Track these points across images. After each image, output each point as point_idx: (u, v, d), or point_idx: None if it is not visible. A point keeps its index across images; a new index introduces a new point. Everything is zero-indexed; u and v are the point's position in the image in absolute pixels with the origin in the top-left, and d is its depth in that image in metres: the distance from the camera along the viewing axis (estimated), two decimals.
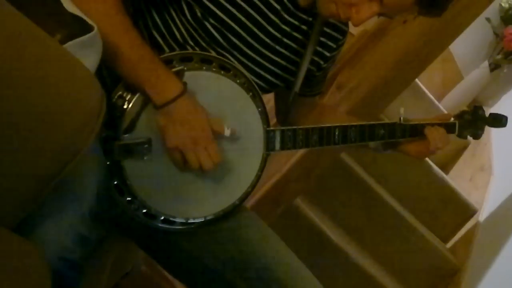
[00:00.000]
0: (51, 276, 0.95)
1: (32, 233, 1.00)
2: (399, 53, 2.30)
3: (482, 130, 1.72)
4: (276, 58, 1.42)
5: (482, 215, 3.11)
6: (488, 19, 3.97)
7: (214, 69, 1.31)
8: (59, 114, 0.94)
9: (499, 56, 4.02)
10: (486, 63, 4.04)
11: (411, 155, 1.59)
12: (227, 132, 1.29)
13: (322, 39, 1.47)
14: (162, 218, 1.34)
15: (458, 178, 3.57)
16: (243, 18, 1.34)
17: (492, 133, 3.58)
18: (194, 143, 1.24)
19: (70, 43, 1.05)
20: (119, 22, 1.21)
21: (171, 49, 1.35)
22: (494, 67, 4.04)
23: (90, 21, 1.09)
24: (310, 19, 1.42)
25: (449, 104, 3.96)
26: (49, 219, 1.02)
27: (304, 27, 1.42)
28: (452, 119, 1.66)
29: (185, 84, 1.23)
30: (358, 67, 2.66)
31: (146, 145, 1.24)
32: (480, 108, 1.71)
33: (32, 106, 0.90)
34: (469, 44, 4.01)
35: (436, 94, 3.86)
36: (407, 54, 2.27)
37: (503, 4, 3.98)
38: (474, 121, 1.70)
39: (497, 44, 4.07)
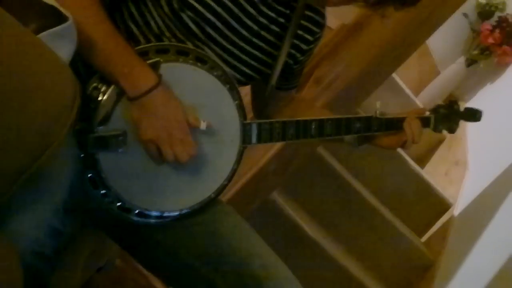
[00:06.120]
0: (21, 268, 0.94)
1: (3, 226, 0.99)
2: (376, 47, 2.31)
3: (457, 124, 1.73)
4: (253, 51, 1.41)
5: (456, 210, 3.15)
6: (465, 15, 4.00)
7: (190, 61, 1.30)
8: (32, 105, 0.92)
9: (476, 52, 4.05)
10: (462, 59, 4.08)
11: (384, 147, 1.60)
12: (203, 125, 1.28)
13: (299, 32, 1.47)
14: (137, 211, 1.32)
15: (433, 173, 3.59)
16: (220, 10, 1.33)
17: (468, 128, 3.62)
18: (169, 136, 1.23)
19: (44, 33, 1.03)
20: (94, 13, 1.20)
21: (147, 40, 1.33)
22: (471, 62, 4.08)
23: (65, 12, 1.08)
24: (288, 11, 1.42)
25: (425, 98, 3.99)
26: (21, 212, 1.01)
27: (281, 19, 1.42)
28: (428, 113, 1.67)
29: (160, 76, 1.22)
30: (336, 61, 2.66)
31: (121, 138, 1.23)
32: (455, 102, 1.72)
33: (2, 96, 0.89)
34: (446, 39, 4.04)
35: (413, 88, 3.89)
36: (385, 48, 2.28)
37: (480, 0, 4.01)
38: (449, 115, 1.70)
39: (474, 40, 4.11)
